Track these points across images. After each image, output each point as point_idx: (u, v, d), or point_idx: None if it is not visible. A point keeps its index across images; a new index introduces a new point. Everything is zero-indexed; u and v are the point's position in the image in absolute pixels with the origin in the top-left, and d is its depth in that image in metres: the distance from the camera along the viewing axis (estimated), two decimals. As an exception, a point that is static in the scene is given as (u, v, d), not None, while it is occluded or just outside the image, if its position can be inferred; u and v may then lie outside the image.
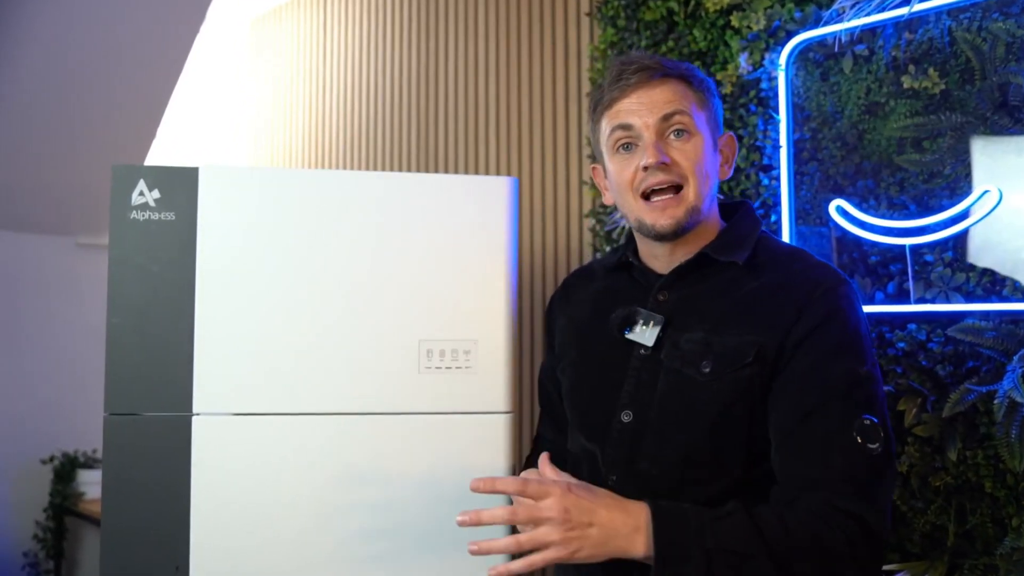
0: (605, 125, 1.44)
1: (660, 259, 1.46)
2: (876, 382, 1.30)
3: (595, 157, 1.53)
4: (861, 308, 1.35)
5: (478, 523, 1.23)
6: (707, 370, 1.32)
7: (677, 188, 1.38)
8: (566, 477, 1.31)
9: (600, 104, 1.45)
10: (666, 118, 1.38)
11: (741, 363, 1.31)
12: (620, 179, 1.42)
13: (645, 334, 1.39)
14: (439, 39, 3.33)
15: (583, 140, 2.77)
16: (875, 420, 1.25)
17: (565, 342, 1.58)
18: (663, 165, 1.36)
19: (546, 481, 1.25)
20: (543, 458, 1.37)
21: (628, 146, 1.41)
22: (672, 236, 1.39)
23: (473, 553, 1.22)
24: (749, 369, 1.30)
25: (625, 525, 1.21)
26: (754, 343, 1.31)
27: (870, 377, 1.29)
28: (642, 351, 1.40)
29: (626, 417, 1.39)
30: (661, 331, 1.38)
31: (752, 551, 1.19)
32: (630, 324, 1.42)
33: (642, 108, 1.39)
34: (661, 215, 1.38)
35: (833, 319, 1.30)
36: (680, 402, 1.34)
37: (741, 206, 1.49)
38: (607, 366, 1.44)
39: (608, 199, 1.51)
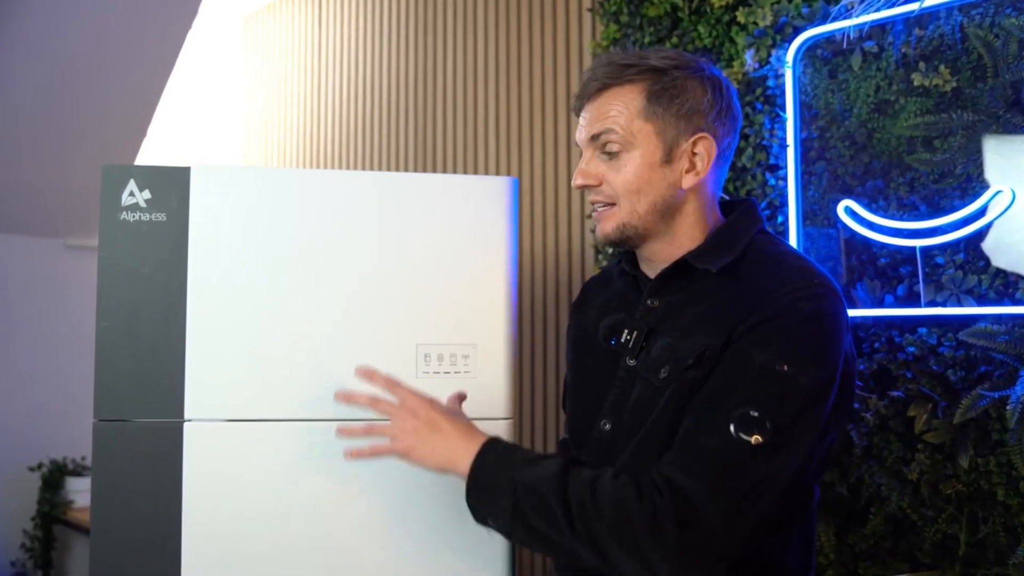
0: None
1: (647, 264, 1.46)
2: (796, 385, 1.21)
3: None
4: (835, 315, 1.28)
5: (350, 400, 1.51)
6: (663, 376, 1.32)
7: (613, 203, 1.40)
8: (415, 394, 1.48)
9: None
10: (594, 139, 1.39)
11: (684, 366, 1.29)
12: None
13: (629, 343, 1.40)
14: (437, 35, 3.33)
15: (585, 139, 2.77)
16: (766, 416, 1.19)
17: (570, 348, 1.61)
18: (587, 187, 1.40)
19: (414, 389, 1.46)
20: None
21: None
22: (612, 245, 1.42)
23: (339, 434, 1.54)
24: (692, 372, 1.28)
25: (460, 444, 1.37)
26: (701, 345, 1.29)
27: (790, 378, 1.21)
28: (629, 361, 1.39)
29: (606, 426, 1.40)
30: (644, 339, 1.38)
31: (548, 492, 1.25)
32: (616, 333, 1.43)
33: (585, 123, 1.41)
34: (598, 227, 1.42)
35: (783, 315, 1.25)
36: (643, 411, 1.34)
37: (741, 205, 1.46)
38: (597, 374, 1.45)
39: None
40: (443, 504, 1.76)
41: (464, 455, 1.35)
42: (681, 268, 1.39)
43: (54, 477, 4.24)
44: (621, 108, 1.37)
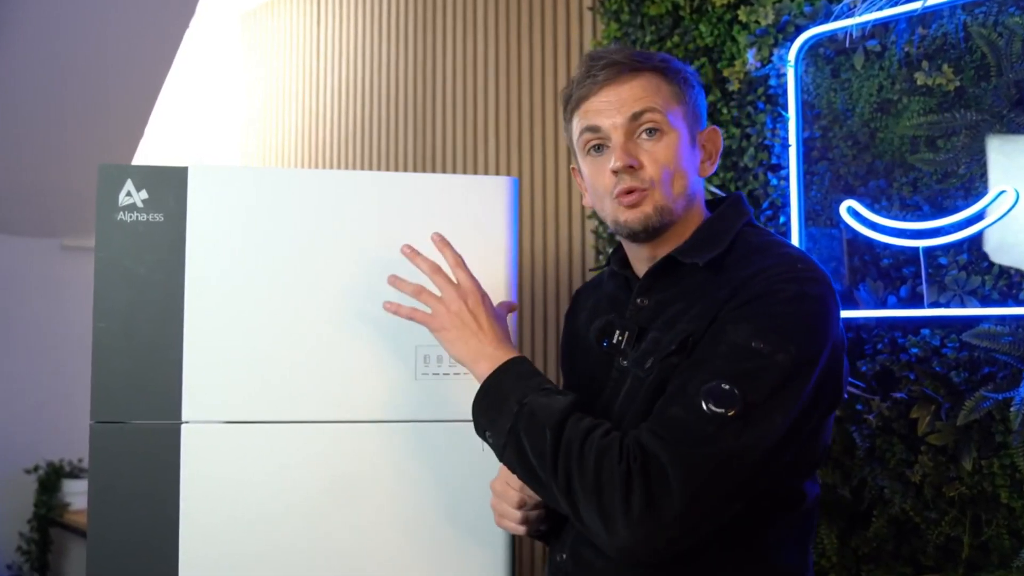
0: (576, 125, 1.41)
1: (643, 263, 1.44)
2: (770, 362, 1.20)
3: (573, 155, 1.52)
4: (818, 298, 1.26)
5: (412, 259, 1.52)
6: (648, 366, 1.31)
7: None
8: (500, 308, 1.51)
9: (570, 102, 1.42)
10: (635, 117, 1.35)
11: (666, 353, 1.29)
12: (595, 183, 1.40)
13: (621, 344, 1.39)
14: (437, 34, 3.33)
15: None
16: (737, 391, 1.18)
17: (564, 355, 1.61)
18: (630, 169, 1.34)
19: (476, 281, 1.46)
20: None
21: (599, 147, 1.39)
22: (644, 235, 1.37)
23: (390, 283, 1.55)
24: (674, 357, 1.28)
25: (490, 347, 1.39)
26: (685, 331, 1.28)
27: (765, 355, 1.20)
28: (622, 362, 1.39)
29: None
30: (636, 339, 1.38)
31: (544, 422, 1.25)
32: (607, 335, 1.41)
33: (610, 107, 1.36)
34: (630, 212, 1.35)
35: (763, 297, 1.24)
36: (629, 402, 1.34)
37: (727, 199, 1.46)
38: (593, 376, 1.44)
39: (587, 201, 1.48)
40: (442, 507, 1.76)
41: (489, 360, 1.37)
42: (670, 264, 1.38)
43: (51, 479, 4.24)
44: (654, 90, 1.36)
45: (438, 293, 1.46)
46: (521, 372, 1.35)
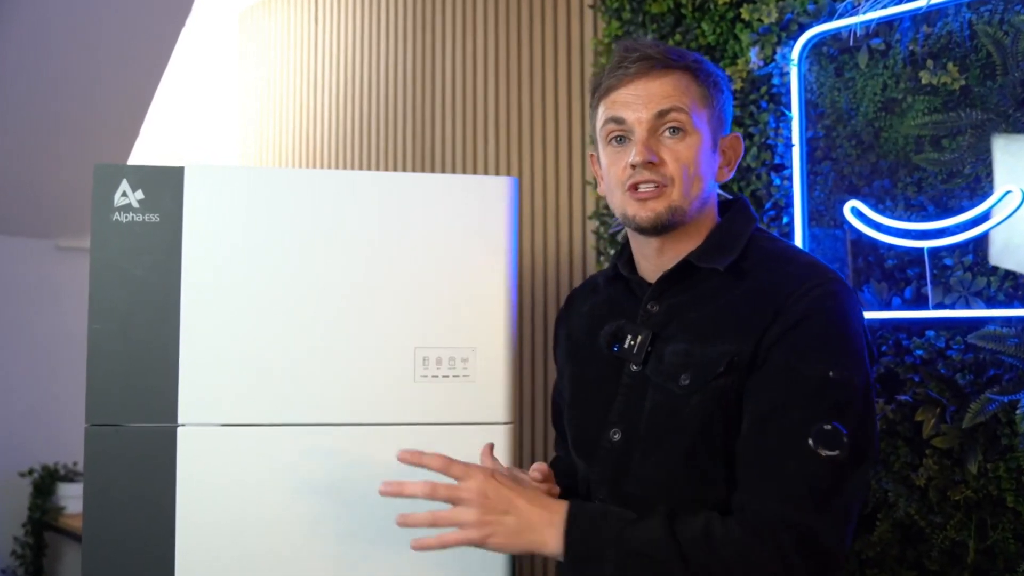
0: (601, 113, 1.43)
1: (650, 262, 1.45)
2: (852, 388, 1.26)
3: (593, 143, 1.52)
4: (854, 309, 1.32)
5: (399, 494, 1.30)
6: (685, 383, 1.32)
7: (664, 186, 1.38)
8: (496, 464, 1.39)
9: (599, 90, 1.44)
10: (661, 115, 1.36)
11: (714, 374, 1.30)
12: (610, 173, 1.42)
13: (633, 349, 1.39)
14: (437, 32, 3.34)
15: (586, 138, 2.77)
16: (839, 427, 1.23)
17: (564, 358, 1.59)
18: (650, 164, 1.35)
19: (472, 464, 1.32)
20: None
21: (621, 139, 1.40)
22: (653, 231, 1.38)
23: (400, 524, 1.32)
24: (723, 379, 1.29)
25: (541, 519, 1.27)
26: (728, 352, 1.30)
27: (844, 382, 1.25)
28: (633, 367, 1.39)
29: (616, 435, 1.39)
30: (649, 345, 1.38)
31: (665, 557, 1.22)
32: (619, 339, 1.41)
33: (637, 101, 1.37)
34: (642, 207, 1.37)
35: (811, 318, 1.28)
36: (664, 419, 1.34)
37: (734, 204, 1.48)
38: (600, 382, 1.44)
39: (601, 189, 1.49)
40: (435, 509, 1.76)
41: (550, 532, 1.27)
42: (685, 269, 1.39)
43: (45, 483, 4.24)
44: (683, 90, 1.38)
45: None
46: (589, 523, 1.27)
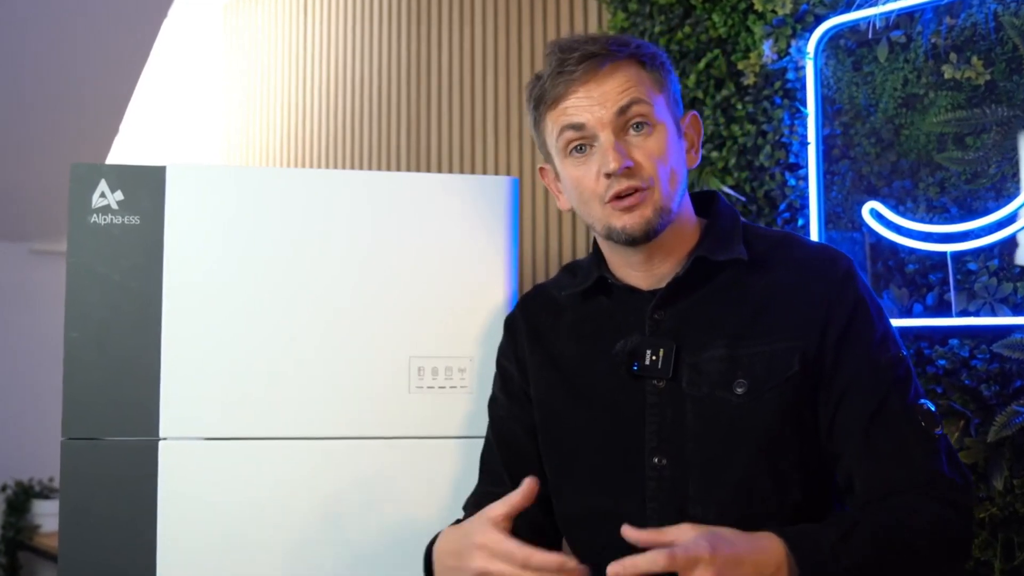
0: (551, 125, 1.37)
1: (638, 270, 1.41)
2: (908, 361, 1.36)
3: (544, 157, 1.47)
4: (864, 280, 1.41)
5: (635, 572, 1.10)
6: (741, 391, 1.30)
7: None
8: (691, 528, 1.18)
9: (542, 101, 1.38)
10: (622, 111, 1.32)
11: (784, 375, 1.29)
12: (581, 187, 1.36)
13: (657, 364, 1.35)
14: (433, 24, 3.34)
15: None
16: (927, 403, 1.31)
17: (547, 386, 1.48)
18: (627, 170, 1.31)
19: (688, 545, 1.11)
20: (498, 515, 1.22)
21: (582, 147, 1.35)
22: (644, 239, 1.34)
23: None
24: (797, 379, 1.30)
25: (768, 560, 1.15)
26: (793, 349, 1.30)
27: (904, 358, 1.35)
28: (657, 383, 1.35)
29: (659, 461, 1.33)
30: (675, 357, 1.34)
31: (888, 555, 1.22)
32: (638, 357, 1.36)
33: (592, 103, 1.32)
34: (630, 217, 1.32)
35: (860, 306, 1.34)
36: (719, 433, 1.31)
37: (713, 197, 1.46)
38: (617, 408, 1.38)
39: (563, 204, 1.45)
40: (431, 527, 1.76)
41: (780, 567, 1.15)
42: (696, 268, 1.36)
43: (19, 500, 4.24)
44: (636, 80, 1.34)
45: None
46: (806, 549, 1.18)
